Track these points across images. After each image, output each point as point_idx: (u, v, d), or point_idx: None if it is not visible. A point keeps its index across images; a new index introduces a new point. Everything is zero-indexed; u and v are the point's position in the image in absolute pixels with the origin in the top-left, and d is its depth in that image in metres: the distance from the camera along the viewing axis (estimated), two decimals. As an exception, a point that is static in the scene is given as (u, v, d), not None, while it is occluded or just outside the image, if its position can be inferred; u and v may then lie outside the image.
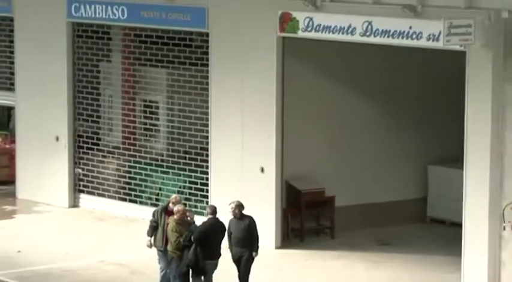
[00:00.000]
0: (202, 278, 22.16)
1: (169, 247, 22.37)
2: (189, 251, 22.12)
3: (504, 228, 22.46)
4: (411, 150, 28.09)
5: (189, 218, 22.49)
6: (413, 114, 27.94)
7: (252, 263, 22.32)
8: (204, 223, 22.19)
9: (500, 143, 22.63)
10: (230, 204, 22.52)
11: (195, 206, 26.45)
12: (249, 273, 22.39)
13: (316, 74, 26.65)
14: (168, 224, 22.48)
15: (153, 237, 22.74)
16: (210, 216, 22.34)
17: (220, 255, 22.13)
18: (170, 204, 22.71)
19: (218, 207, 23.96)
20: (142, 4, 28.18)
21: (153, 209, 27.17)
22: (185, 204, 23.31)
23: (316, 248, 26.24)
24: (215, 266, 22.05)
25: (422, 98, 27.90)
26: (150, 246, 22.75)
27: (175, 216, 22.42)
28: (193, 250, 21.99)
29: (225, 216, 22.82)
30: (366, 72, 27.19)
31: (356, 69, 27.09)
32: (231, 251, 22.39)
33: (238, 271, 22.46)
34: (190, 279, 22.18)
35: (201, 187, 27.34)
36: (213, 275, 22.14)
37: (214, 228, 22.14)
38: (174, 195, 23.41)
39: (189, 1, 27.32)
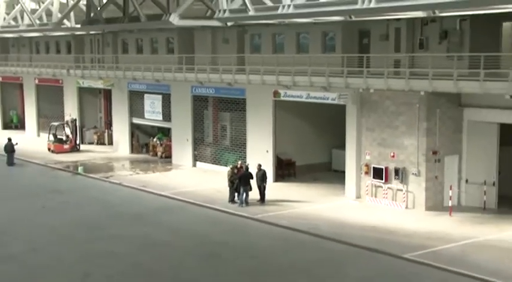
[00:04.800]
0: (243, 193, 21.44)
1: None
2: (235, 182, 21.66)
3: (361, 173, 22.22)
4: (326, 142, 26.89)
5: (242, 169, 21.78)
6: (327, 128, 26.54)
7: (265, 187, 21.97)
8: (241, 172, 21.74)
9: (359, 139, 22.35)
10: (256, 165, 22.38)
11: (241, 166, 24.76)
12: (264, 191, 21.97)
13: (288, 114, 25.87)
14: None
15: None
16: (244, 169, 21.92)
17: (249, 184, 21.55)
18: (238, 165, 22.32)
19: (251, 166, 23.33)
20: (220, 87, 27.18)
21: (226, 168, 26.35)
22: (242, 166, 22.42)
23: (288, 182, 25.42)
24: (249, 189, 21.54)
25: (331, 121, 26.02)
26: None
27: (230, 168, 22.10)
28: (237, 182, 21.57)
29: (254, 169, 22.32)
30: (309, 112, 25.98)
31: (305, 112, 25.87)
32: (257, 183, 21.99)
33: (260, 192, 22.00)
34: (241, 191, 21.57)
35: (244, 158, 26.23)
36: (250, 193, 21.63)
37: (246, 175, 21.73)
38: (239, 162, 22.98)
39: (238, 85, 26.34)
